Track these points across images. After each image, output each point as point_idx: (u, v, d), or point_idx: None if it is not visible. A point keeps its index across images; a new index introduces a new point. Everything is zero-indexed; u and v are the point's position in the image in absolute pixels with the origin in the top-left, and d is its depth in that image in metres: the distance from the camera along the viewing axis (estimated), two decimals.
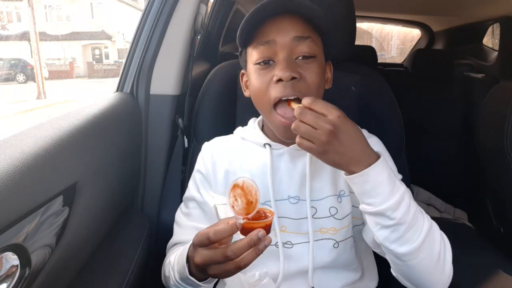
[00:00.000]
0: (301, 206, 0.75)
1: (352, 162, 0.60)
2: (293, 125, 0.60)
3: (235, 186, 0.58)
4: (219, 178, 0.80)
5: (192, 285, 0.66)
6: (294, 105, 0.64)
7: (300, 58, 0.68)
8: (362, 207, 0.63)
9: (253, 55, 0.71)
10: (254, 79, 0.71)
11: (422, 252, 0.61)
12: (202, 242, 0.57)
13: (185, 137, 1.08)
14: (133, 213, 1.01)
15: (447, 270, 0.64)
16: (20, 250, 0.54)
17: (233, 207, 0.57)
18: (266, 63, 0.69)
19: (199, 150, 0.86)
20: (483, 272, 0.81)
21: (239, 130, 0.86)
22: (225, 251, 0.55)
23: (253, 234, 0.54)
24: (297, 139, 0.60)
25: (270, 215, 0.58)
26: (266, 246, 0.55)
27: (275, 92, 0.67)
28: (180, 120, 1.07)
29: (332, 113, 0.58)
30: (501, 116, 0.97)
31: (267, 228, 0.57)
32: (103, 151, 0.83)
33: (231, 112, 1.02)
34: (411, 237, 0.60)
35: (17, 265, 0.53)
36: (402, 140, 0.97)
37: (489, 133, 1.05)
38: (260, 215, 0.58)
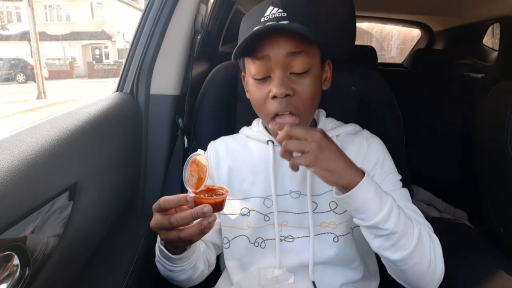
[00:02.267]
0: (302, 200, 0.77)
1: (344, 172, 0.61)
2: (280, 151, 0.62)
3: (192, 162, 0.61)
4: (222, 174, 0.83)
5: (165, 256, 0.70)
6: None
7: (294, 73, 0.70)
8: (355, 220, 0.65)
9: (250, 68, 0.73)
10: (253, 91, 0.74)
11: (414, 258, 0.63)
12: (155, 207, 0.61)
13: (185, 137, 1.08)
14: (133, 213, 1.01)
15: (438, 270, 0.66)
16: (20, 250, 0.54)
17: (188, 181, 0.61)
18: (263, 78, 0.71)
19: None
20: (483, 272, 0.81)
21: (244, 129, 0.89)
22: (170, 217, 0.58)
23: (198, 207, 0.57)
24: (289, 163, 0.62)
25: (225, 194, 0.61)
26: (210, 224, 0.58)
27: (272, 107, 0.71)
28: (180, 120, 1.07)
29: (313, 134, 0.60)
30: (501, 116, 0.97)
31: (217, 205, 0.59)
32: (103, 151, 0.83)
33: (231, 112, 1.02)
34: (403, 244, 0.62)
35: (17, 265, 0.54)
36: (402, 140, 0.97)
37: (489, 133, 1.05)
38: (217, 193, 0.61)
